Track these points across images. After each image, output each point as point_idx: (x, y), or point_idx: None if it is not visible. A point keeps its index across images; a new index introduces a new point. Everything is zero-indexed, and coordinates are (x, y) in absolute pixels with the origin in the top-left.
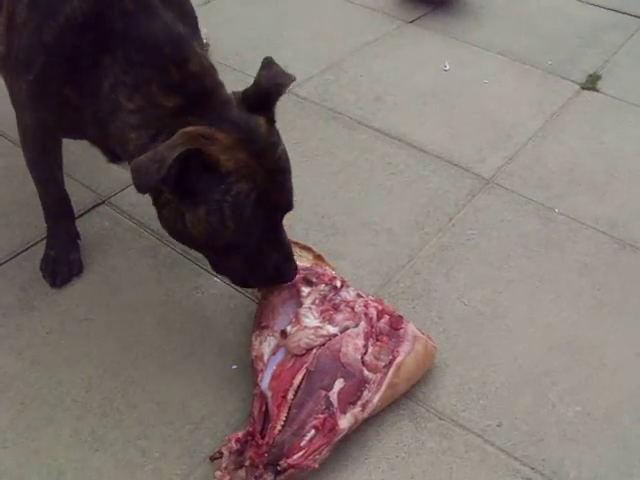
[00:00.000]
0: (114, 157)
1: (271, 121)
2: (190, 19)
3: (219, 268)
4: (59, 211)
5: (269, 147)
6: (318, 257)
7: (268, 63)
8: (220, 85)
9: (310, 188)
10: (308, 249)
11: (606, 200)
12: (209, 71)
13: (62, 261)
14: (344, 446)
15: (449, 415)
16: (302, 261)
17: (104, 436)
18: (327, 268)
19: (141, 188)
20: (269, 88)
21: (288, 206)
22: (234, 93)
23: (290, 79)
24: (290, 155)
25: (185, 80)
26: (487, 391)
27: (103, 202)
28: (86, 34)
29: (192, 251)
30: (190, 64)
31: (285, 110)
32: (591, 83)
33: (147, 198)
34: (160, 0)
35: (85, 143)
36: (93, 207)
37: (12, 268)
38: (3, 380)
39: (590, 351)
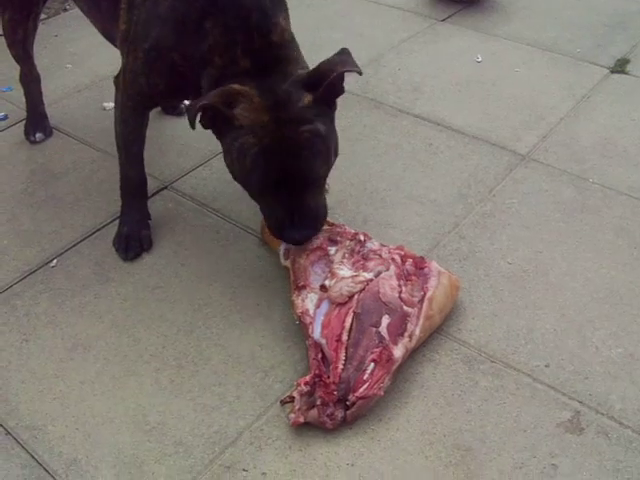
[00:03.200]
0: None
1: (318, 100)
2: None
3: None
4: (136, 190)
5: (295, 120)
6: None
7: (341, 51)
8: (290, 59)
9: (357, 168)
10: None
11: (639, 170)
12: (287, 44)
13: (134, 237)
14: (404, 386)
15: (499, 358)
16: None
17: (182, 384)
18: (346, 226)
19: (190, 125)
20: (323, 71)
21: (297, 175)
22: (307, 70)
23: (344, 67)
24: None
25: (262, 47)
26: (534, 337)
27: (166, 187)
28: (193, 4)
29: (253, 224)
30: (272, 34)
31: None
32: (620, 67)
33: (207, 182)
34: None
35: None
36: (157, 192)
37: (87, 246)
38: (87, 340)
39: (629, 301)
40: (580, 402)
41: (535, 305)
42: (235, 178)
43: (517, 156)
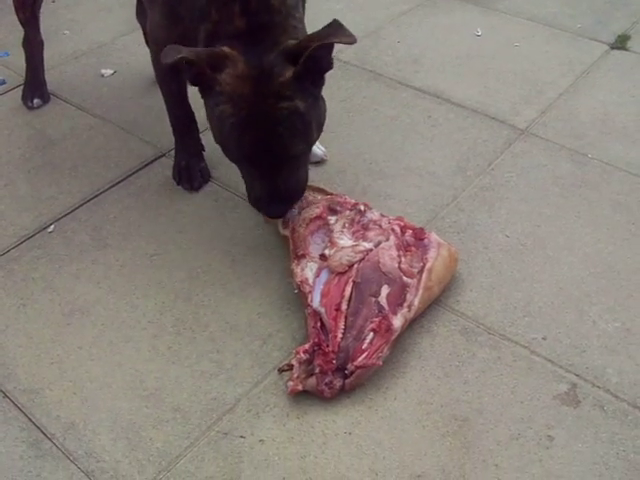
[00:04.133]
0: None
1: (300, 75)
2: None
3: None
4: (186, 126)
5: (274, 95)
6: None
7: (330, 23)
8: (286, 27)
9: (357, 139)
10: (320, 190)
11: (638, 146)
12: (288, 10)
13: (194, 168)
14: (402, 356)
15: (497, 330)
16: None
17: (179, 351)
18: (346, 196)
19: (164, 59)
20: (304, 44)
21: (272, 151)
22: (299, 39)
23: (325, 39)
24: (336, 112)
25: (259, 9)
26: (531, 309)
27: (164, 155)
28: None
29: None
30: None
31: (329, 73)
32: (620, 43)
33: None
34: None
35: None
36: (155, 159)
37: (84, 212)
38: (84, 306)
39: (627, 276)
40: (577, 375)
41: (533, 278)
42: (215, 140)
43: (516, 130)
